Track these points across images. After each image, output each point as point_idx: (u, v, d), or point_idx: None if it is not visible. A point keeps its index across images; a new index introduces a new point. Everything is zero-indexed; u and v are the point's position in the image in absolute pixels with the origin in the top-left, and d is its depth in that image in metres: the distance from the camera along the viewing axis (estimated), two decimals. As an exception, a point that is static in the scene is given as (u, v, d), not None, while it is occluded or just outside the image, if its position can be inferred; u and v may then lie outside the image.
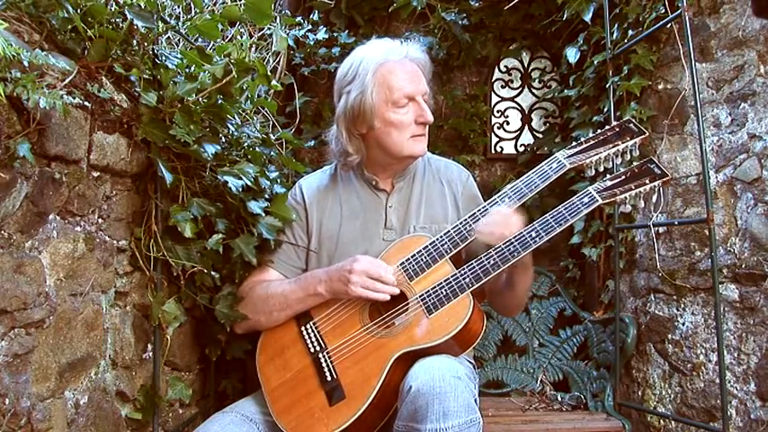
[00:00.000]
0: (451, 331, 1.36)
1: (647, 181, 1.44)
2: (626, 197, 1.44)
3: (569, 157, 1.51)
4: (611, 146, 1.51)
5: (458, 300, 1.39)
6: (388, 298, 1.42)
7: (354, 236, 1.59)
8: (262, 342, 1.55)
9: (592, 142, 1.53)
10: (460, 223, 1.48)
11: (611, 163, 1.52)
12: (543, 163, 1.52)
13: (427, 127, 1.57)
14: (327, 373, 1.42)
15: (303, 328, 1.50)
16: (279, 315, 1.51)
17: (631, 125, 1.53)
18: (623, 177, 1.46)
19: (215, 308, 1.55)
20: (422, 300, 1.41)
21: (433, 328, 1.38)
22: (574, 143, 1.55)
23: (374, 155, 1.60)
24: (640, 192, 1.44)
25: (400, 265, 1.46)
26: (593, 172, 1.53)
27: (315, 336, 1.48)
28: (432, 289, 1.41)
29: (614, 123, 1.55)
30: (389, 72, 1.51)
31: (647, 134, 1.52)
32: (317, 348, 1.46)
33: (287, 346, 1.50)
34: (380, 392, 1.36)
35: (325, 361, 1.44)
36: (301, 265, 1.64)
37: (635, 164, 1.49)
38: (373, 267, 1.41)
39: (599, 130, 1.56)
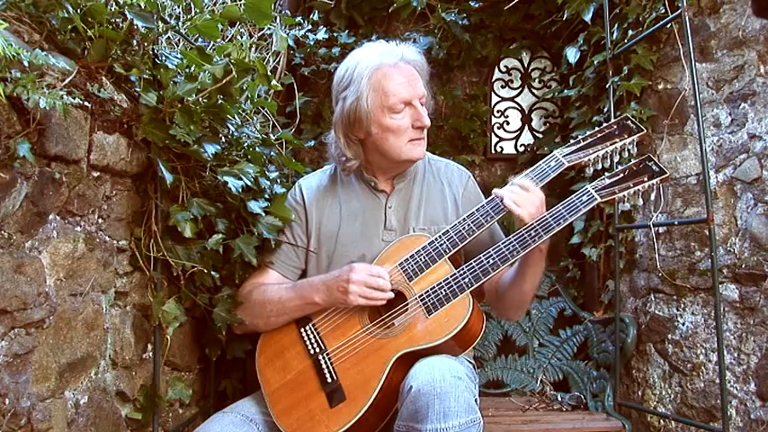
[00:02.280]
0: (451, 331, 1.36)
1: (646, 179, 1.44)
2: (625, 195, 1.44)
3: (567, 155, 1.51)
4: (609, 143, 1.50)
5: (457, 300, 1.39)
6: (385, 302, 1.42)
7: (354, 237, 1.59)
8: (261, 343, 1.55)
9: (590, 140, 1.52)
10: (459, 223, 1.48)
11: (609, 161, 1.51)
12: (541, 161, 1.51)
13: (426, 129, 1.56)
14: (327, 375, 1.42)
15: (302, 330, 1.50)
16: (276, 320, 1.52)
17: (629, 122, 1.52)
18: (621, 175, 1.46)
19: (213, 310, 1.55)
20: (421, 300, 1.41)
21: (432, 329, 1.38)
22: (572, 141, 1.54)
23: (373, 159, 1.59)
24: (639, 190, 1.43)
25: (399, 265, 1.46)
26: (592, 170, 1.52)
27: (314, 337, 1.48)
28: (431, 289, 1.41)
29: (612, 121, 1.54)
30: (384, 77, 1.49)
31: (645, 131, 1.52)
32: (317, 350, 1.46)
33: (286, 348, 1.50)
34: (381, 393, 1.36)
35: (325, 362, 1.44)
36: (301, 265, 1.64)
37: (633, 162, 1.48)
38: (372, 277, 1.41)
39: (597, 128, 1.55)
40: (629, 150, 1.51)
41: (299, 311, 1.50)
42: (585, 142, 1.52)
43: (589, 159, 1.50)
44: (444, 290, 1.40)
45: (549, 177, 1.49)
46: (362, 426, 1.36)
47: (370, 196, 1.63)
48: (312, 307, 1.48)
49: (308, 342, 1.48)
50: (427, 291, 1.41)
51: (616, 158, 1.52)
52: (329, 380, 1.41)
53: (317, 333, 1.48)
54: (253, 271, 1.63)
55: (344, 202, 1.64)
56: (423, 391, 1.20)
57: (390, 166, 1.60)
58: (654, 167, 1.45)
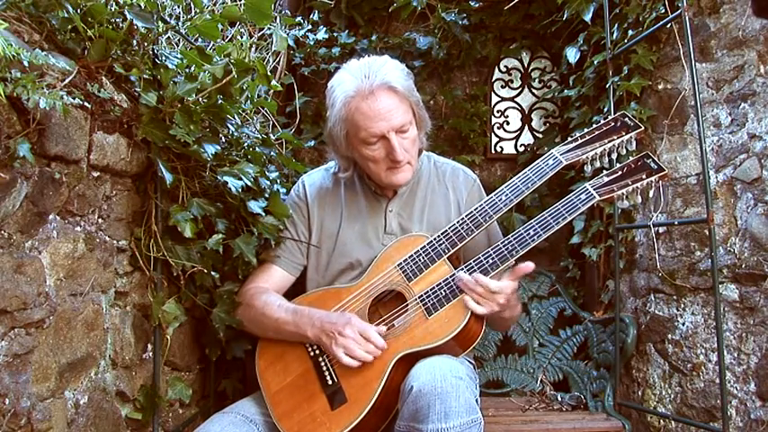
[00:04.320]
0: (452, 332, 1.36)
1: (644, 176, 1.43)
2: (623, 193, 1.43)
3: (565, 153, 1.50)
4: (607, 140, 1.49)
5: (457, 300, 1.39)
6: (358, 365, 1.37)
7: (353, 239, 1.59)
8: (261, 346, 1.55)
9: (588, 137, 1.52)
10: (458, 223, 1.48)
11: (607, 158, 1.51)
12: (539, 160, 1.51)
13: (407, 156, 1.49)
14: (328, 377, 1.42)
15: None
16: (273, 336, 1.52)
17: (627, 119, 1.51)
18: (620, 173, 1.46)
19: (212, 311, 1.55)
20: (421, 301, 1.41)
21: (433, 329, 1.38)
22: (569, 139, 1.54)
23: (366, 173, 1.61)
24: (637, 187, 1.43)
25: (398, 265, 1.46)
26: (591, 168, 1.52)
27: None
28: (431, 290, 1.41)
29: (610, 118, 1.54)
30: (356, 110, 1.44)
31: (643, 128, 1.51)
32: (317, 352, 1.46)
33: (287, 350, 1.50)
34: (382, 395, 1.35)
35: (326, 364, 1.44)
36: (303, 261, 1.65)
37: (631, 159, 1.48)
38: (364, 340, 1.36)
39: (594, 125, 1.55)
40: (626, 148, 1.50)
41: (292, 337, 1.48)
42: (583, 140, 1.52)
43: (587, 157, 1.49)
44: (444, 290, 1.40)
45: (548, 176, 1.49)
46: (364, 427, 1.36)
47: (371, 199, 1.64)
48: (303, 338, 1.46)
49: (307, 344, 1.48)
50: (427, 291, 1.41)
51: (614, 156, 1.51)
52: (330, 382, 1.41)
53: (318, 334, 1.48)
54: (255, 269, 1.63)
55: (346, 204, 1.64)
56: (424, 391, 1.20)
57: (381, 184, 1.59)
58: (652, 165, 1.44)
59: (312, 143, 2.61)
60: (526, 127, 2.80)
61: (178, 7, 1.67)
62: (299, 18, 2.41)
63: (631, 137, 1.49)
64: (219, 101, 1.50)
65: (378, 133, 1.45)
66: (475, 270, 1.40)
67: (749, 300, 1.82)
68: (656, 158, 1.46)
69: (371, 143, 1.47)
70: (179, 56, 1.48)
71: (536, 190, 1.52)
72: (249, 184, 1.55)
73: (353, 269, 1.57)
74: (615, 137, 1.49)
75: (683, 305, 2.02)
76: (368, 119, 1.43)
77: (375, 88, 1.43)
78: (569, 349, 2.35)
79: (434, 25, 2.67)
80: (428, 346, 1.36)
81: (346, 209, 1.63)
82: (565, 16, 2.40)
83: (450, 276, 1.41)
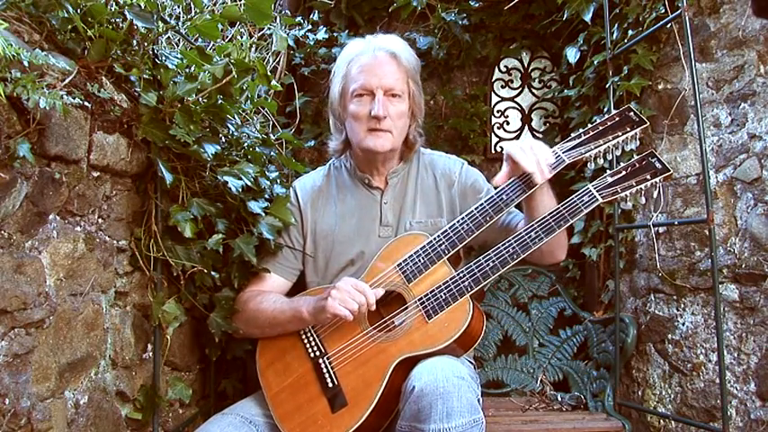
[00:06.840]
0: (452, 336, 1.35)
1: (648, 177, 1.39)
2: (627, 195, 1.40)
3: (568, 151, 1.45)
4: (611, 137, 1.44)
5: (457, 303, 1.38)
6: (355, 314, 1.37)
7: (350, 234, 1.59)
8: (261, 345, 1.55)
9: (591, 134, 1.46)
10: (459, 222, 1.47)
11: (611, 155, 1.45)
12: None
13: (389, 122, 1.52)
14: (328, 379, 1.41)
15: (302, 332, 1.50)
16: (271, 331, 1.52)
17: (631, 114, 1.45)
18: (623, 173, 1.41)
19: (209, 316, 1.55)
20: (421, 303, 1.40)
21: (433, 333, 1.37)
22: (571, 135, 1.48)
23: (354, 150, 1.63)
24: (641, 189, 1.39)
25: (398, 265, 1.46)
26: (594, 166, 1.47)
27: (314, 340, 1.47)
28: (431, 292, 1.40)
29: (614, 112, 1.48)
30: (354, 64, 1.55)
31: (648, 123, 1.46)
32: (317, 353, 1.46)
33: (286, 350, 1.50)
34: (382, 398, 1.35)
35: (326, 366, 1.43)
36: (298, 266, 1.64)
37: (635, 158, 1.44)
38: (354, 290, 1.37)
39: (597, 121, 1.48)
40: (630, 146, 1.45)
41: (290, 325, 1.49)
42: (586, 136, 1.46)
43: (590, 155, 1.44)
44: (444, 293, 1.39)
45: (549, 175, 1.46)
46: (365, 430, 1.36)
47: (364, 193, 1.64)
48: (300, 322, 1.47)
49: (307, 345, 1.48)
50: (427, 294, 1.40)
51: (617, 152, 1.46)
52: (330, 384, 1.41)
53: (317, 336, 1.48)
54: (252, 276, 1.63)
55: (339, 201, 1.64)
56: (426, 392, 1.20)
57: (366, 157, 1.60)
58: (657, 164, 1.39)
59: (312, 143, 2.61)
60: (526, 127, 2.80)
61: (178, 7, 1.67)
62: (299, 18, 2.40)
63: (636, 133, 1.43)
64: (219, 101, 1.50)
65: (367, 86, 1.51)
66: (475, 273, 1.40)
67: (749, 300, 1.81)
68: (660, 157, 1.42)
69: (360, 95, 1.53)
70: (179, 56, 1.49)
71: (537, 190, 1.51)
72: (249, 184, 1.55)
73: (353, 265, 1.57)
74: (619, 132, 1.43)
75: (682, 305, 2.02)
76: (362, 72, 1.52)
77: (377, 50, 1.54)
78: (569, 349, 2.35)
79: (434, 25, 2.67)
80: (428, 350, 1.36)
81: (340, 205, 1.64)
82: (565, 16, 2.40)
83: (451, 279, 1.40)
